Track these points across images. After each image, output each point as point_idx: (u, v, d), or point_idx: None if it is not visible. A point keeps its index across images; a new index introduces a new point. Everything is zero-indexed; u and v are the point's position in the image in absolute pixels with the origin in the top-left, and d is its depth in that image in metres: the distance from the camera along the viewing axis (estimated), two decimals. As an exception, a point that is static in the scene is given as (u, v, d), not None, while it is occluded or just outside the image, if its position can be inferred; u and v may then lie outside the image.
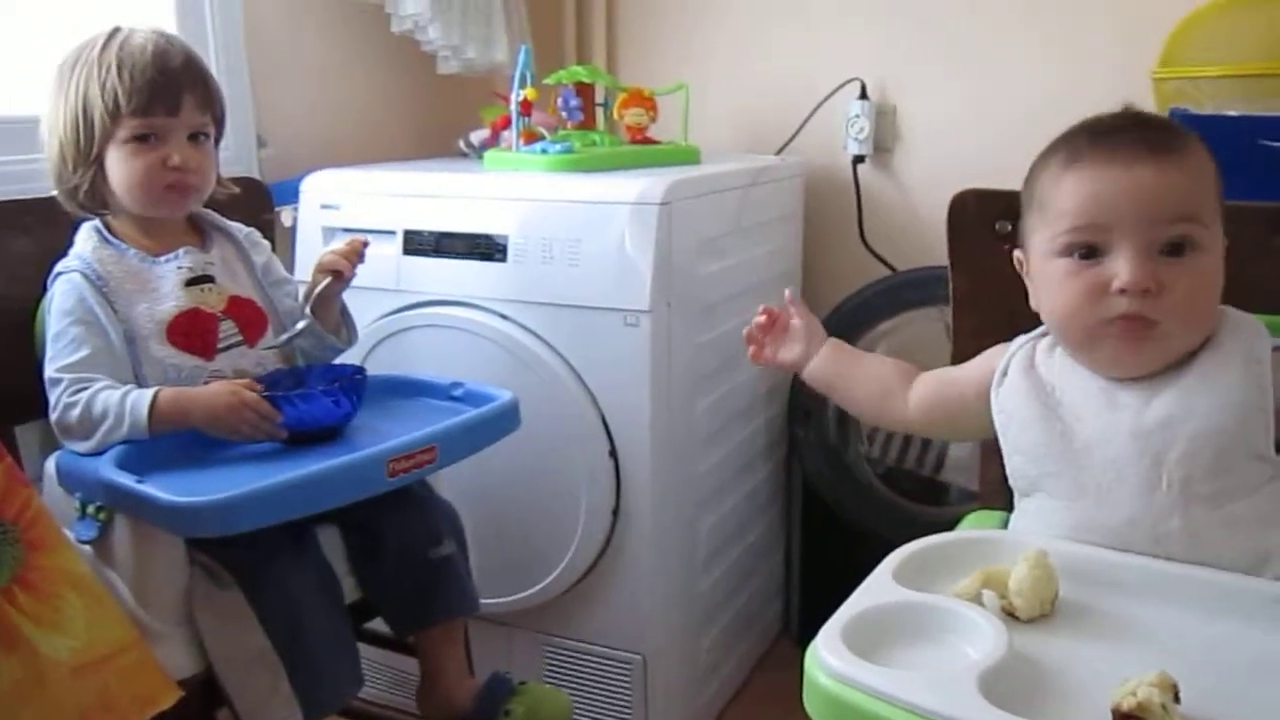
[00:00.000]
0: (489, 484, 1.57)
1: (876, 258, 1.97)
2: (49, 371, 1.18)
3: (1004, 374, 1.03)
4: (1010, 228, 1.18)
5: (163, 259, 1.27)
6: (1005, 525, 1.06)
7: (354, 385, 1.24)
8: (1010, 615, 0.85)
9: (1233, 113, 1.42)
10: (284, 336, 1.32)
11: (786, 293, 1.20)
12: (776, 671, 1.96)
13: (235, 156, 1.71)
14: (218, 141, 1.32)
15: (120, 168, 1.23)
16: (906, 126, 1.97)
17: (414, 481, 1.24)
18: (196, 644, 1.14)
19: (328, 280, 1.33)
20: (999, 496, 1.13)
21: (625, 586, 1.60)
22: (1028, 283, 1.03)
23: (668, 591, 1.61)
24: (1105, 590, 0.88)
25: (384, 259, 1.60)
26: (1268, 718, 0.74)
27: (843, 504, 1.90)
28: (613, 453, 1.54)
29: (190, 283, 1.27)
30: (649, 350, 1.49)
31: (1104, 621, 0.85)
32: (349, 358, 1.42)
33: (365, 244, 1.36)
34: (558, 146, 1.64)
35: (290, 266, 1.61)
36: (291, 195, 1.72)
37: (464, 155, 1.97)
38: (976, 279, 1.22)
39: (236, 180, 1.42)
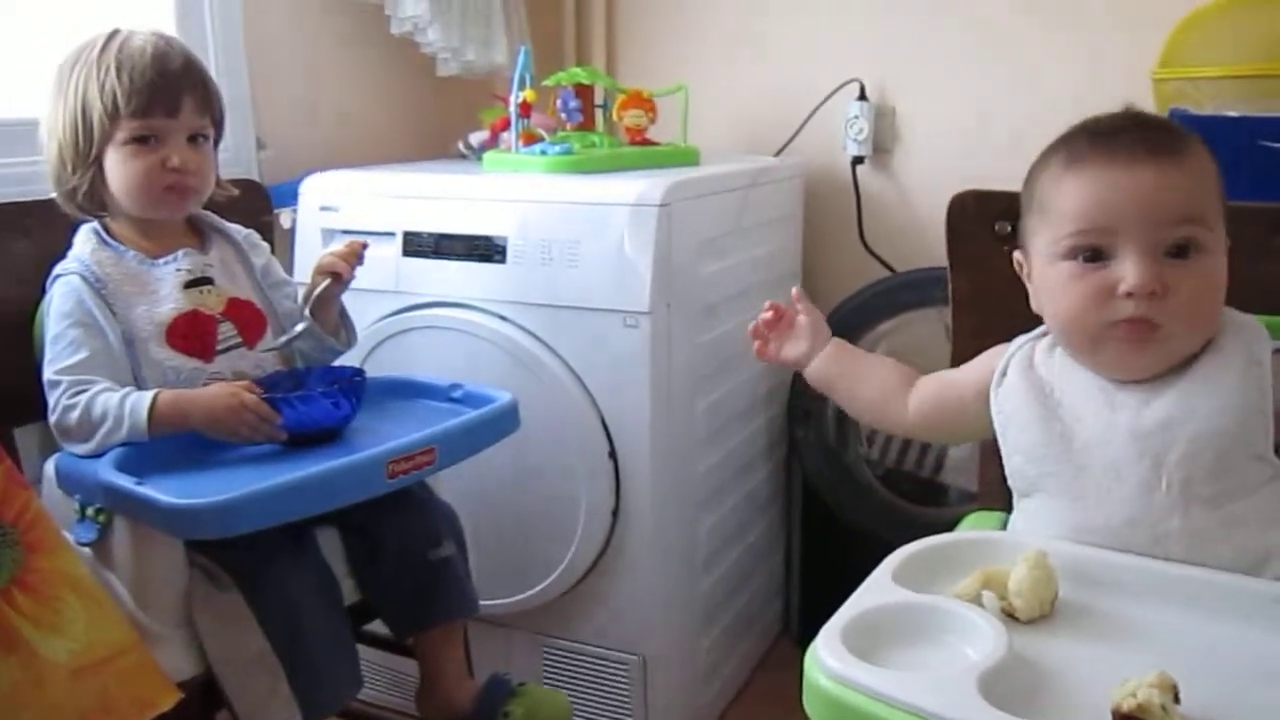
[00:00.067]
0: (488, 485, 1.57)
1: (876, 259, 1.97)
2: (48, 374, 1.18)
3: (1003, 374, 1.03)
4: (1010, 228, 1.18)
5: (162, 261, 1.27)
6: (1004, 526, 1.06)
7: (353, 387, 1.25)
8: (1010, 616, 0.85)
9: (1232, 113, 1.42)
10: (283, 338, 1.32)
11: (795, 290, 1.19)
12: (776, 672, 1.96)
13: (234, 158, 1.71)
14: (217, 143, 1.32)
15: (119, 169, 1.23)
16: (906, 127, 1.96)
17: (413, 483, 1.24)
18: (196, 646, 1.13)
19: (327, 282, 1.33)
20: (998, 497, 1.13)
21: (625, 588, 1.60)
22: (1028, 285, 1.03)
23: (667, 592, 1.61)
24: (1105, 591, 0.88)
25: (383, 261, 1.59)
26: (1268, 718, 0.74)
27: (842, 505, 1.90)
28: (612, 454, 1.54)
29: (189, 285, 1.27)
30: (648, 351, 1.49)
31: (1104, 622, 0.85)
32: (348, 359, 1.42)
33: (364, 246, 1.36)
34: (557, 148, 1.64)
35: (289, 268, 1.61)
36: (290, 197, 1.72)
37: (463, 157, 1.97)
38: (976, 280, 1.22)
39: (235, 182, 1.42)
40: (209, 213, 1.35)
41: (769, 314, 1.18)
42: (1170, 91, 1.51)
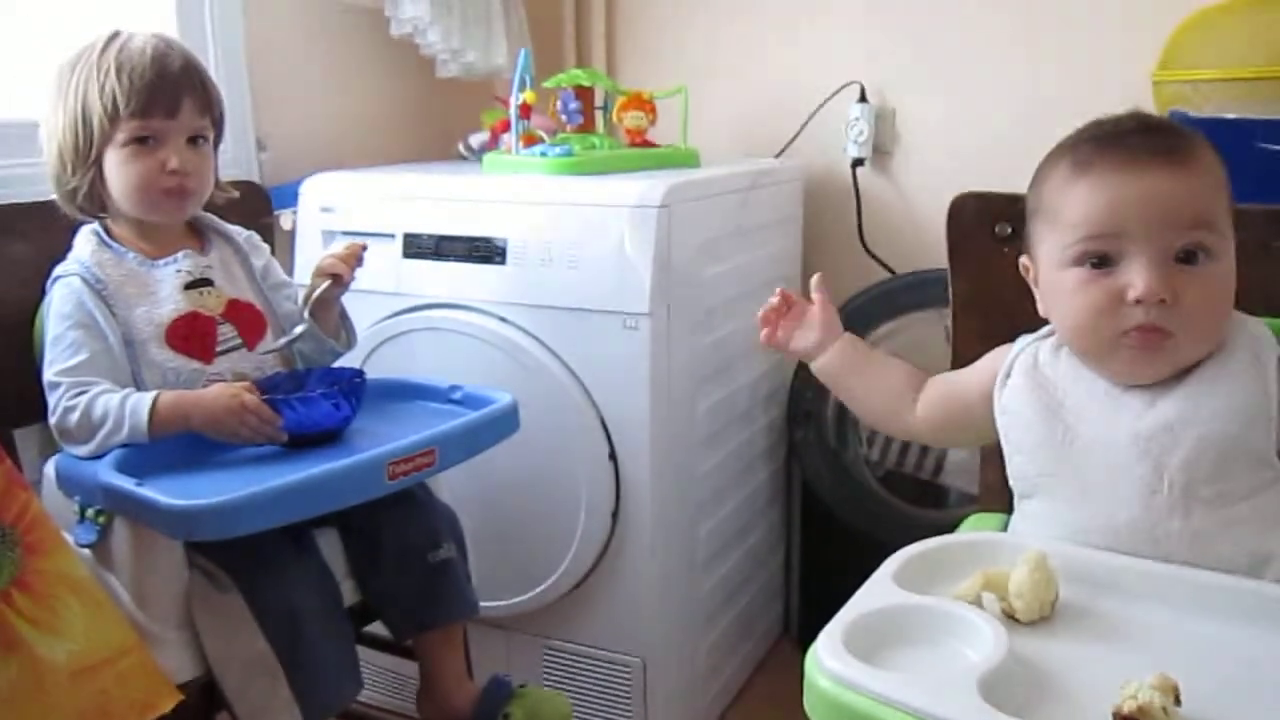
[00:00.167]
0: (488, 487, 1.57)
1: (876, 260, 1.97)
2: (48, 375, 1.18)
3: (1007, 375, 1.03)
4: (1010, 230, 1.18)
5: (161, 262, 1.27)
6: (1005, 528, 1.06)
7: (353, 388, 1.24)
8: (1010, 618, 0.85)
9: (1231, 115, 1.42)
10: (283, 340, 1.32)
11: (816, 276, 1.16)
12: (777, 674, 1.96)
13: (234, 160, 1.71)
14: (217, 145, 1.32)
15: (118, 171, 1.23)
16: (906, 129, 1.96)
17: (413, 484, 1.24)
18: (196, 647, 1.13)
19: (326, 284, 1.32)
20: (999, 499, 1.13)
21: (625, 589, 1.59)
22: (1035, 290, 1.02)
23: (667, 594, 1.61)
24: (1105, 592, 0.88)
25: (383, 262, 1.59)
26: (1268, 720, 0.74)
27: (842, 507, 1.90)
28: (612, 455, 1.54)
29: (189, 286, 1.27)
30: (648, 353, 1.49)
31: (1104, 624, 0.85)
32: (348, 361, 1.42)
33: (364, 248, 1.36)
34: (557, 149, 1.64)
35: (290, 270, 1.61)
36: (291, 199, 1.73)
37: (463, 158, 1.97)
38: (976, 282, 1.22)
39: (235, 184, 1.42)
40: (209, 214, 1.35)
41: (775, 300, 1.16)
42: (1169, 94, 1.51)
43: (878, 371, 1.14)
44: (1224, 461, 0.90)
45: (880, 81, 1.95)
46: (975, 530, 1.09)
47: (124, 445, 1.13)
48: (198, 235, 1.34)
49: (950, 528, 1.08)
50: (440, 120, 2.14)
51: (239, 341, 1.28)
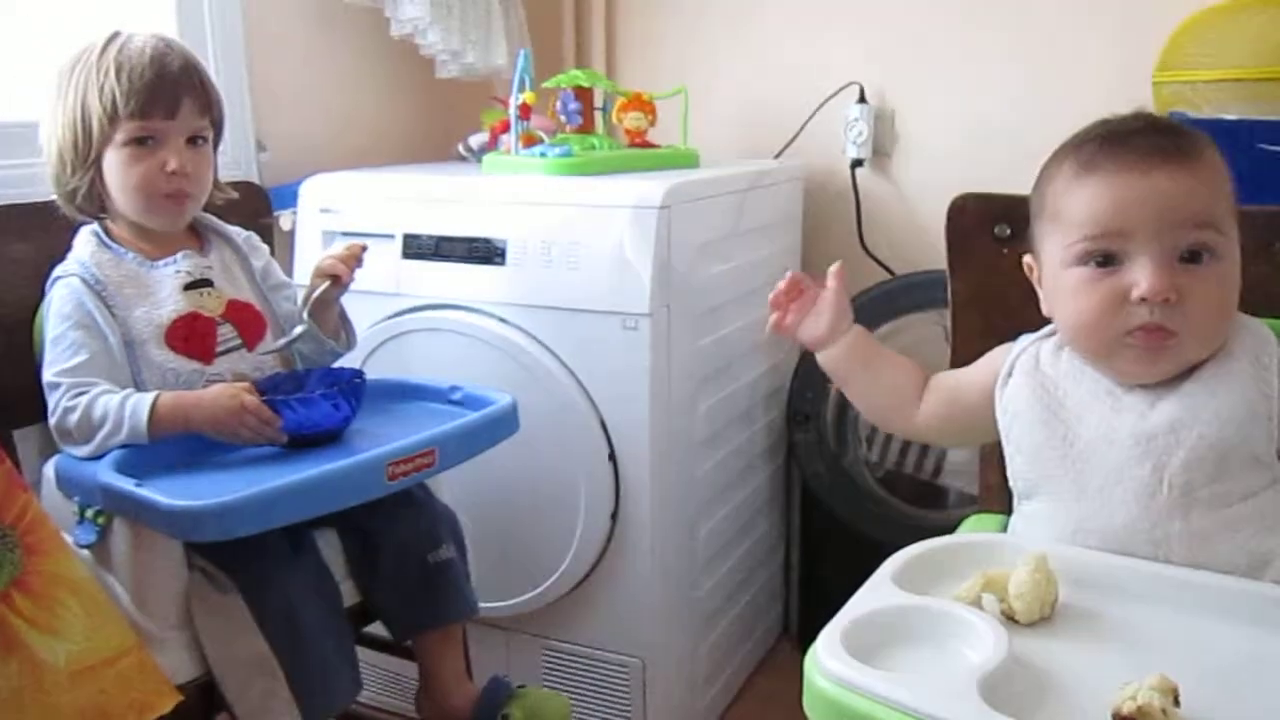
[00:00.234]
0: (488, 488, 1.57)
1: (875, 261, 1.97)
2: (47, 376, 1.18)
3: (1009, 375, 1.03)
4: (1009, 231, 1.18)
5: (161, 263, 1.27)
6: (1004, 529, 1.06)
7: (353, 389, 1.25)
8: (1010, 619, 0.85)
9: (1231, 116, 1.42)
10: (282, 340, 1.32)
11: (836, 265, 1.13)
12: (776, 675, 1.96)
13: (234, 160, 1.71)
14: (216, 145, 1.32)
15: (118, 172, 1.23)
16: (905, 130, 1.97)
17: (413, 485, 1.24)
18: (195, 648, 1.13)
19: (326, 284, 1.32)
20: (998, 500, 1.13)
21: (624, 590, 1.59)
22: (1038, 290, 1.02)
23: (667, 595, 1.61)
24: (1105, 594, 0.88)
25: (383, 263, 1.59)
26: (1267, 721, 0.74)
27: (842, 507, 1.90)
28: (612, 456, 1.54)
29: (189, 286, 1.27)
30: (648, 353, 1.49)
31: (1104, 625, 0.85)
32: (348, 361, 1.42)
33: (364, 249, 1.36)
34: (557, 150, 1.64)
35: (289, 270, 1.61)
36: (290, 199, 1.73)
37: (463, 159, 1.97)
38: (975, 283, 1.22)
39: (235, 184, 1.42)
40: (209, 215, 1.35)
41: (782, 284, 1.13)
42: (1169, 95, 1.52)
43: (884, 368, 1.13)
44: (1224, 463, 0.90)
45: (880, 82, 1.95)
46: (975, 531, 1.09)
47: (124, 446, 1.13)
48: (197, 236, 1.34)
49: (950, 528, 1.08)
50: (440, 121, 2.14)
51: (239, 342, 1.28)
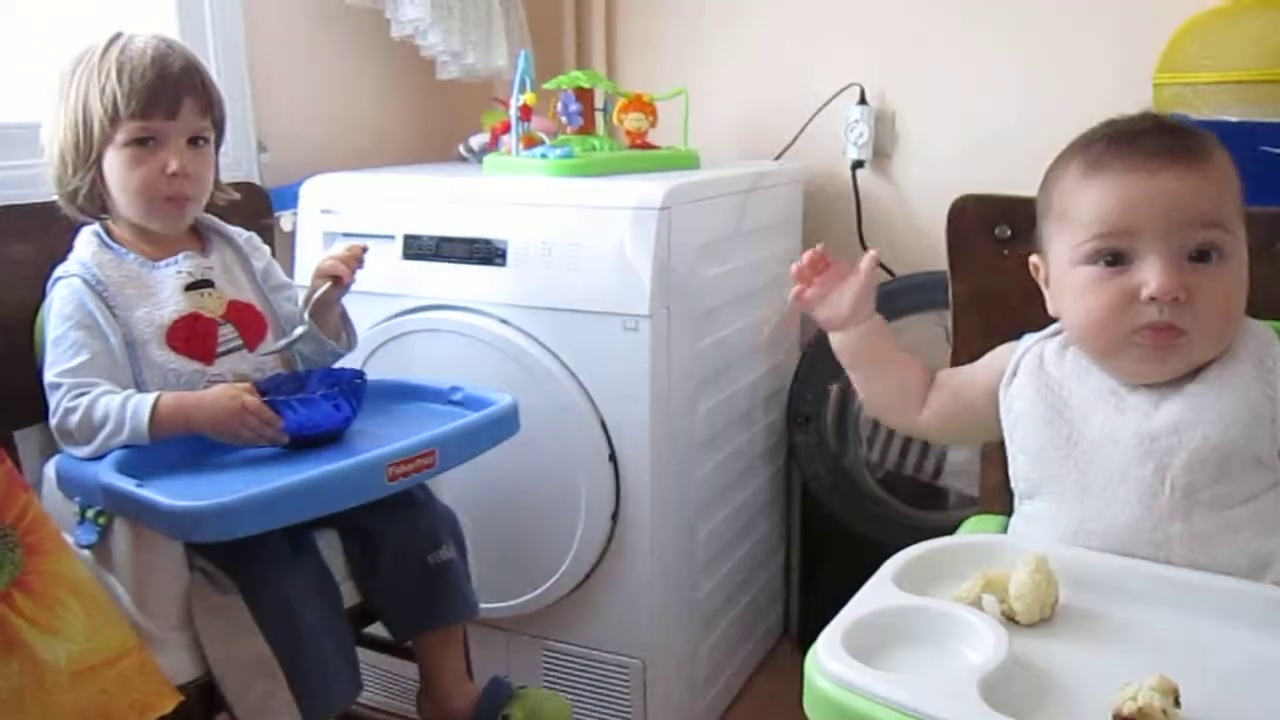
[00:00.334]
0: (488, 489, 1.57)
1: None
2: (49, 376, 1.18)
3: (1013, 374, 1.03)
4: (1010, 233, 1.18)
5: (162, 264, 1.27)
6: (1005, 530, 1.06)
7: (354, 389, 1.25)
8: (1011, 620, 0.85)
9: (1231, 118, 1.42)
10: (283, 341, 1.32)
11: (873, 252, 1.11)
12: (777, 676, 1.96)
13: (235, 161, 1.71)
14: (218, 146, 1.32)
15: (119, 173, 1.23)
16: (906, 132, 1.97)
17: (414, 486, 1.24)
18: (196, 648, 1.13)
19: (327, 285, 1.32)
20: (999, 501, 1.13)
21: (625, 591, 1.59)
22: (1045, 290, 1.02)
23: (667, 596, 1.61)
24: (1106, 594, 0.89)
25: (384, 263, 1.59)
26: (1267, 722, 0.74)
27: (842, 508, 1.90)
28: (612, 457, 1.54)
29: (190, 287, 1.27)
30: (648, 354, 1.49)
31: (1105, 626, 0.85)
32: (349, 362, 1.42)
33: (365, 250, 1.36)
34: (557, 151, 1.64)
35: (290, 271, 1.61)
36: (291, 200, 1.73)
37: (464, 160, 1.97)
38: (976, 284, 1.22)
39: (236, 185, 1.42)
40: (210, 215, 1.35)
41: (809, 258, 1.10)
42: (1169, 96, 1.51)
43: (896, 363, 1.12)
44: (1226, 464, 0.90)
45: (880, 84, 1.95)
46: (975, 532, 1.09)
47: (125, 446, 1.13)
48: (198, 236, 1.34)
49: (950, 529, 1.08)
50: (440, 122, 2.14)
51: (240, 343, 1.28)
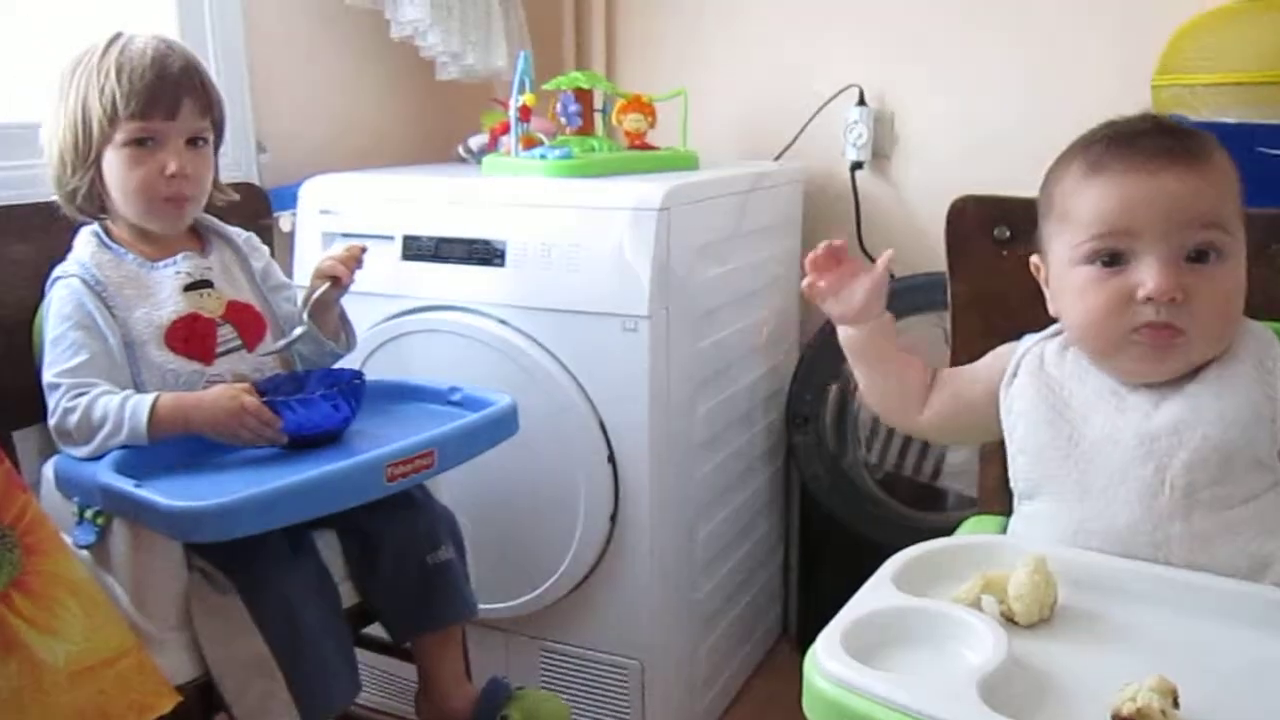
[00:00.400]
0: (487, 489, 1.57)
1: (875, 263, 1.97)
2: (47, 376, 1.18)
3: (1014, 375, 1.03)
4: (1009, 234, 1.19)
5: (161, 264, 1.27)
6: (1004, 530, 1.06)
7: (353, 390, 1.25)
8: (1010, 620, 0.85)
9: (1229, 120, 1.42)
10: (282, 342, 1.32)
11: (889, 252, 1.11)
12: (776, 677, 1.96)
13: (234, 162, 1.71)
14: (217, 147, 1.32)
15: (118, 173, 1.23)
16: (905, 133, 1.97)
17: (412, 486, 1.24)
18: (194, 649, 1.13)
19: (326, 286, 1.33)
20: (998, 502, 1.13)
21: (623, 592, 1.59)
22: (1045, 290, 1.03)
23: (666, 597, 1.61)
24: (1105, 595, 0.89)
25: (383, 264, 1.59)
26: (1267, 723, 0.74)
27: (841, 509, 1.90)
28: (611, 458, 1.54)
29: (189, 287, 1.27)
30: (647, 355, 1.49)
31: (1104, 626, 0.86)
32: (348, 362, 1.42)
33: (364, 250, 1.36)
34: (556, 152, 1.64)
35: (289, 272, 1.61)
36: (290, 200, 1.73)
37: (463, 161, 1.97)
38: (975, 285, 1.22)
39: (235, 185, 1.42)
40: (209, 216, 1.35)
41: (824, 251, 1.10)
42: (1168, 98, 1.52)
43: (900, 362, 1.12)
44: (1226, 465, 0.90)
45: (879, 85, 1.96)
46: (974, 532, 1.09)
47: (123, 446, 1.13)
48: (198, 237, 1.34)
49: (949, 530, 1.08)
50: (440, 123, 2.14)
51: (239, 343, 1.28)
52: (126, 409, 1.13)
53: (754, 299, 1.79)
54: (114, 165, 1.23)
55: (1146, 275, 0.90)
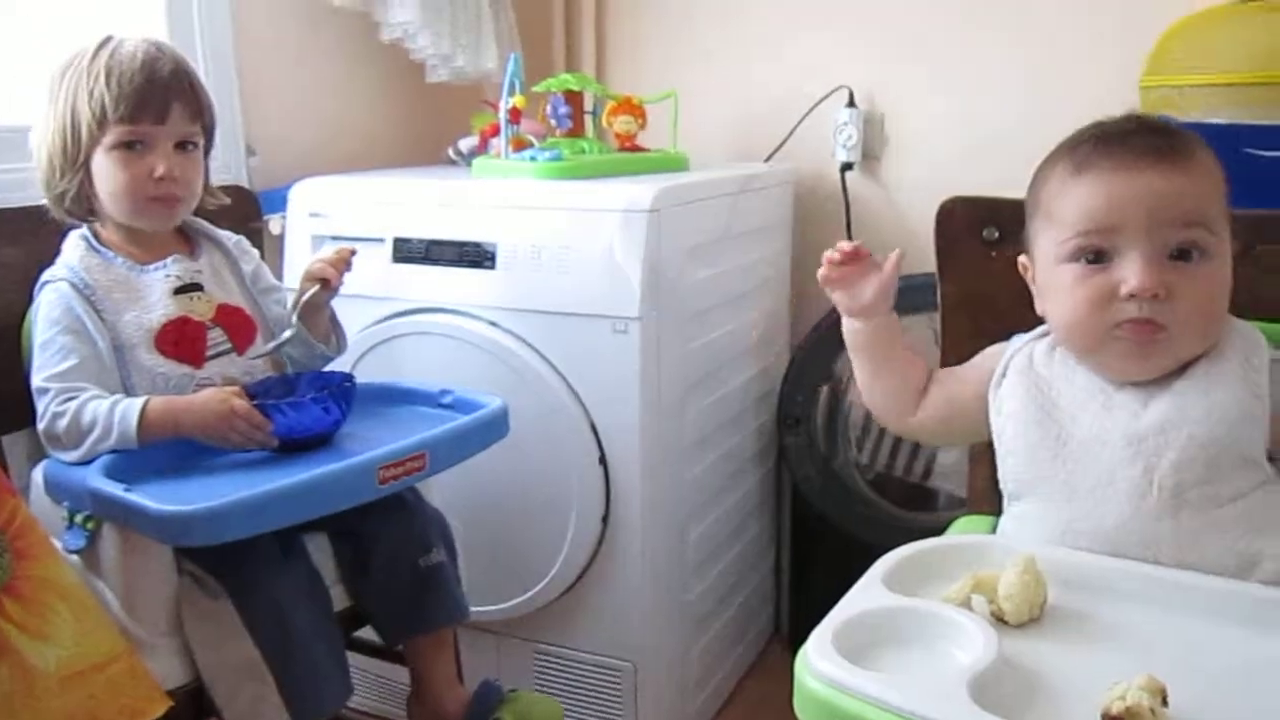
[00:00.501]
0: (478, 492, 1.57)
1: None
2: (36, 381, 1.17)
3: (1003, 375, 1.04)
4: (998, 234, 1.19)
5: (151, 267, 1.27)
6: (994, 530, 1.06)
7: (343, 393, 1.24)
8: (1000, 620, 0.85)
9: (1217, 121, 1.43)
10: (272, 344, 1.32)
11: (898, 251, 1.11)
12: (768, 677, 1.96)
13: (224, 165, 1.71)
14: (208, 151, 1.32)
15: (106, 175, 1.22)
16: (894, 134, 1.97)
17: (404, 489, 1.24)
18: (185, 653, 1.13)
19: (315, 288, 1.32)
20: (988, 502, 1.13)
21: (615, 594, 1.60)
22: (1033, 289, 1.03)
23: (658, 599, 1.61)
24: (1094, 594, 0.89)
25: (373, 267, 1.59)
26: (1256, 720, 0.74)
27: (832, 510, 1.90)
28: (602, 460, 1.54)
29: (179, 291, 1.26)
30: (638, 357, 1.49)
31: (1093, 625, 0.86)
32: (338, 365, 1.41)
33: (353, 253, 1.36)
34: (547, 154, 1.64)
35: (279, 274, 1.61)
36: (280, 203, 1.72)
37: (453, 163, 1.97)
38: (964, 285, 1.22)
39: (224, 188, 1.42)
40: (199, 219, 1.35)
41: (849, 248, 1.10)
42: (1156, 99, 1.52)
43: (900, 361, 1.13)
44: (1213, 463, 0.91)
45: (869, 86, 1.96)
46: (964, 532, 1.09)
47: (113, 451, 1.13)
48: (187, 240, 1.34)
49: (939, 530, 1.08)
50: (430, 125, 2.14)
51: (229, 346, 1.28)
52: (116, 412, 1.13)
53: (745, 300, 1.80)
54: (102, 168, 1.22)
55: (1129, 272, 0.91)
